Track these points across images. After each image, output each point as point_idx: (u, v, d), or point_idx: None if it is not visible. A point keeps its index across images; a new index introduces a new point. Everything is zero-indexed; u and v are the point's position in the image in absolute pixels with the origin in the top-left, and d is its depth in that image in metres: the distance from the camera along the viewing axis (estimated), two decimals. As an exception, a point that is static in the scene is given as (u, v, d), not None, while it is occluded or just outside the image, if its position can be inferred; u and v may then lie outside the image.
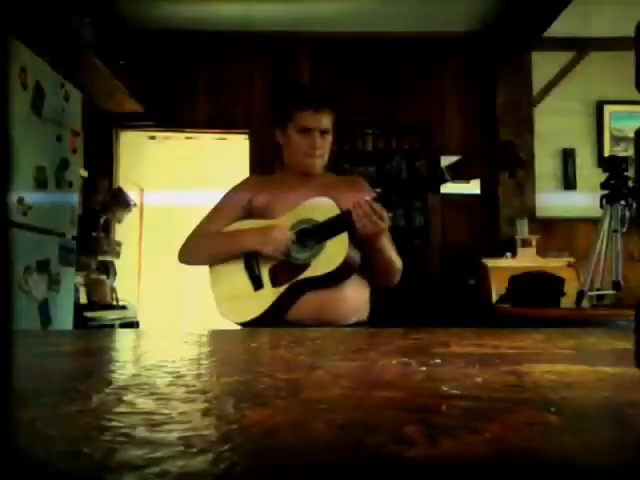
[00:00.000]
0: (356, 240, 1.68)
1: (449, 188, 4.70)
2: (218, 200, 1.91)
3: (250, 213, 1.84)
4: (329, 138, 1.85)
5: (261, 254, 1.72)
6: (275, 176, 1.98)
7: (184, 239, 1.87)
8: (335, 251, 1.66)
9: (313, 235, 1.70)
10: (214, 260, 1.80)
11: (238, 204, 1.86)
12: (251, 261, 1.75)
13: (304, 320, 1.67)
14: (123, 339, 1.19)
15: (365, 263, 1.73)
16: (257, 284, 1.73)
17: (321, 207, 1.72)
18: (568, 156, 4.74)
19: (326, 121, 1.82)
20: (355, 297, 1.76)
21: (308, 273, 1.67)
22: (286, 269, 1.70)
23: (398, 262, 1.79)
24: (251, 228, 1.77)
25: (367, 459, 0.30)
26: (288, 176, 1.88)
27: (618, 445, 0.34)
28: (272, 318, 1.69)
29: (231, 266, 1.77)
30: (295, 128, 1.81)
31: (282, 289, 1.69)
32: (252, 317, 1.70)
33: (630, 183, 2.83)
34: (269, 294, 1.70)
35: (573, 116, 4.75)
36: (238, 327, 1.77)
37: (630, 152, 4.29)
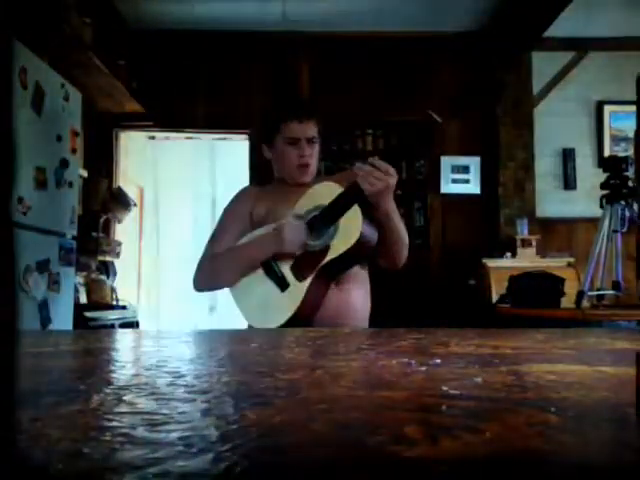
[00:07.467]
0: (370, 214, 1.65)
1: (449, 188, 4.71)
2: (219, 219, 1.90)
3: (252, 225, 1.83)
4: (316, 147, 1.86)
5: (280, 254, 1.70)
6: (271, 187, 1.97)
7: (195, 265, 1.83)
8: (351, 225, 1.63)
9: (324, 219, 1.68)
10: (236, 277, 1.76)
11: (240, 218, 1.84)
12: (270, 265, 1.72)
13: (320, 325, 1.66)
14: (123, 339, 1.19)
15: (379, 243, 1.71)
16: (283, 285, 1.70)
17: (324, 191, 1.70)
18: (568, 156, 4.74)
19: (312, 130, 1.84)
20: (363, 304, 1.76)
21: (330, 255, 1.64)
22: (307, 261, 1.68)
23: (406, 237, 1.78)
24: (263, 234, 1.75)
25: (367, 459, 0.30)
26: (283, 186, 1.88)
27: (618, 445, 0.34)
28: (307, 313, 1.66)
29: (251, 277, 1.75)
30: (283, 140, 1.83)
31: (309, 281, 1.66)
32: (288, 317, 1.66)
33: (630, 183, 2.83)
34: (297, 290, 1.67)
35: (573, 116, 4.75)
36: (238, 327, 1.76)
37: (630, 152, 4.29)
